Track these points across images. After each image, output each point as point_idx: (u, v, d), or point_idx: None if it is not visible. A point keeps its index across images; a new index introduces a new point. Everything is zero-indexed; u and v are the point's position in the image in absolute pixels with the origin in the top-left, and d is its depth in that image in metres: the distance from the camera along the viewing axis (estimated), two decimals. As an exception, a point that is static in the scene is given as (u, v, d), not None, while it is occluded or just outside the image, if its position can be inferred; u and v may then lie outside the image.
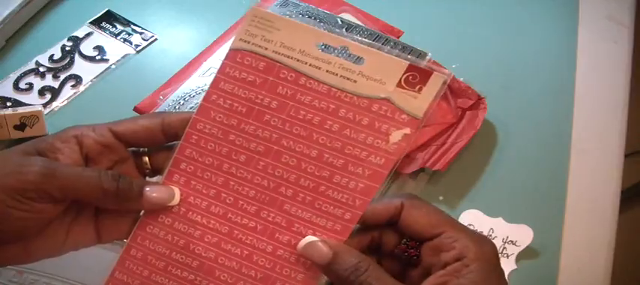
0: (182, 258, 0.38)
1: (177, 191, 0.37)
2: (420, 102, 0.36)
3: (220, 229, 0.37)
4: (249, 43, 0.37)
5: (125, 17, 0.73)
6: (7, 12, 0.69)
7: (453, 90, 0.63)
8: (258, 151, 0.37)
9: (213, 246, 0.37)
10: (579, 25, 0.74)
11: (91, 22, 0.72)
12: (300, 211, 0.37)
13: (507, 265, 0.53)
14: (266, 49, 0.37)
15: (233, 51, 0.37)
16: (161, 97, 0.61)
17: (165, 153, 0.39)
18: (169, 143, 0.39)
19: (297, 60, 0.36)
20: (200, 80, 0.62)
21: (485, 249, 0.35)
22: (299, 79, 0.36)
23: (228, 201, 0.37)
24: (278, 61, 0.36)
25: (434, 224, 0.36)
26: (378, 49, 0.36)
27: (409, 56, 0.36)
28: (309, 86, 0.36)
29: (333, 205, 0.36)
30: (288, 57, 0.36)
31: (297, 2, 0.68)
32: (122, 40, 0.71)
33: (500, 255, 0.54)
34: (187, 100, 0.60)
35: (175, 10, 0.76)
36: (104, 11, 0.73)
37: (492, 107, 0.62)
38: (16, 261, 0.37)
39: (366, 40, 0.37)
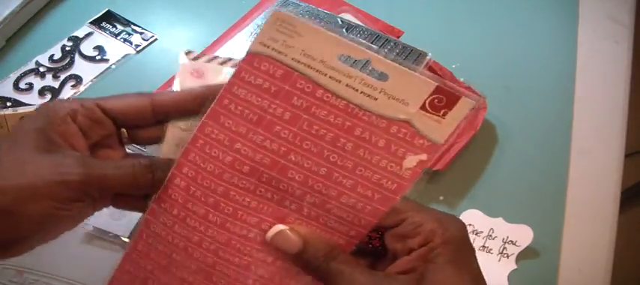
0: (182, 259, 0.37)
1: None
2: (443, 128, 0.33)
3: (218, 238, 0.37)
4: (268, 47, 0.34)
5: (125, 17, 0.73)
6: (7, 12, 0.69)
7: (453, 90, 0.63)
8: (264, 164, 0.35)
9: (211, 253, 0.37)
10: (579, 25, 0.74)
11: (91, 22, 0.72)
12: (304, 224, 0.36)
13: (507, 265, 0.53)
14: (286, 55, 0.34)
15: (251, 55, 0.34)
16: (161, 97, 0.61)
17: (152, 128, 0.39)
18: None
19: (317, 71, 0.34)
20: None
21: (452, 229, 0.34)
22: (316, 91, 0.34)
23: (227, 211, 0.36)
24: (296, 70, 0.34)
25: (394, 210, 0.35)
26: (404, 65, 0.33)
27: (438, 76, 0.33)
28: (325, 100, 0.34)
29: (338, 221, 0.35)
30: (308, 66, 0.34)
31: (297, 2, 0.68)
32: (122, 40, 0.71)
33: (500, 255, 0.54)
34: (187, 100, 0.60)
35: (175, 10, 0.76)
36: (104, 11, 0.73)
37: (492, 107, 0.62)
38: (40, 243, 0.36)
39: (393, 55, 0.34)
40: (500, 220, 0.56)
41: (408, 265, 0.34)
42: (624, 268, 0.68)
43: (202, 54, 0.41)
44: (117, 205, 0.39)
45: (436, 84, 0.33)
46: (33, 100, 0.65)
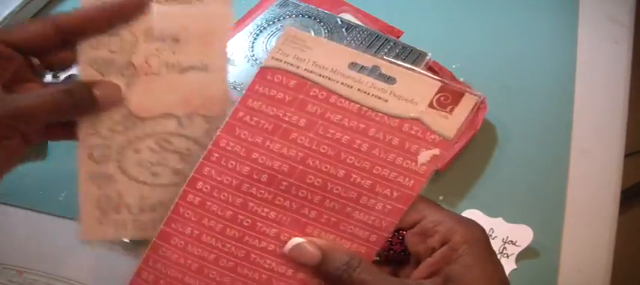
0: (196, 283, 0.36)
1: (116, 81, 0.38)
2: (451, 123, 0.35)
3: (236, 253, 0.36)
4: (281, 61, 0.36)
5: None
6: (7, 12, 0.69)
7: (453, 90, 0.63)
8: (283, 171, 0.35)
9: (229, 270, 0.36)
10: (579, 25, 0.74)
11: (91, 22, 0.72)
12: (323, 233, 0.35)
13: (507, 265, 0.53)
14: (298, 67, 0.36)
15: (264, 69, 0.36)
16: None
17: (64, 52, 0.39)
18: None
19: (329, 79, 0.36)
20: None
21: (472, 229, 0.34)
22: (330, 97, 0.36)
23: (245, 223, 0.36)
24: (309, 79, 0.36)
25: (412, 208, 0.35)
26: (409, 69, 0.36)
27: (441, 78, 0.36)
28: (339, 105, 0.36)
29: (358, 226, 0.35)
30: (320, 75, 0.36)
31: (297, 2, 0.68)
32: (122, 40, 0.71)
33: (499, 255, 0.54)
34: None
35: (175, 10, 0.76)
36: (104, 11, 0.73)
37: (492, 107, 0.62)
38: None
39: (392, 55, 0.37)
40: (500, 220, 0.56)
41: (431, 268, 0.33)
42: (624, 268, 0.68)
43: None
44: (51, 138, 0.39)
45: (440, 83, 0.35)
46: (33, 100, 0.65)
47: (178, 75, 0.39)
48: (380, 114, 0.35)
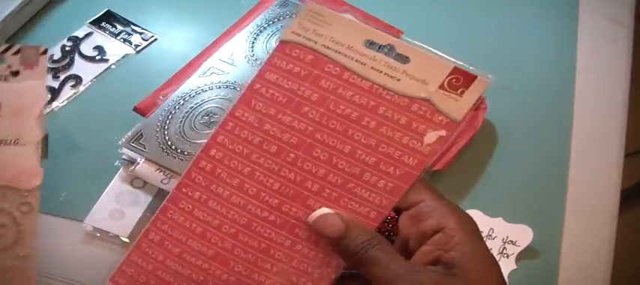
0: (198, 246, 0.37)
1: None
2: (460, 105, 0.36)
3: (239, 220, 0.37)
4: (300, 35, 0.37)
5: (125, 17, 0.73)
6: (7, 12, 0.69)
7: (453, 90, 0.63)
8: (291, 143, 0.37)
9: (231, 237, 0.37)
10: (579, 25, 0.74)
11: (91, 22, 0.72)
12: (323, 207, 0.36)
13: (507, 265, 0.53)
14: (316, 42, 0.37)
15: (283, 43, 0.38)
16: (161, 98, 0.61)
17: None
18: None
19: (345, 55, 0.37)
20: (200, 80, 0.62)
21: (465, 217, 0.35)
22: (343, 73, 0.37)
23: (250, 192, 0.37)
24: (326, 55, 0.37)
25: (413, 190, 0.35)
26: (425, 49, 0.37)
27: (453, 59, 0.36)
28: (352, 81, 0.37)
29: (359, 202, 0.36)
30: (336, 51, 0.37)
31: (297, 2, 0.68)
32: (122, 40, 0.71)
33: (499, 255, 0.54)
34: (187, 100, 0.60)
35: (175, 10, 0.76)
36: (104, 11, 0.73)
37: (492, 107, 0.62)
38: None
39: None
40: (499, 220, 0.56)
41: (430, 256, 0.34)
42: (624, 268, 0.68)
43: None
44: None
45: (453, 65, 0.36)
46: (33, 100, 0.65)
47: None
48: (391, 92, 0.36)
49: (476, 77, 0.36)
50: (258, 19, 0.67)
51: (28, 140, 0.42)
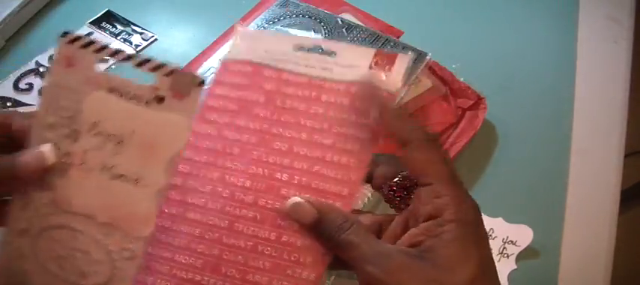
0: (185, 259, 0.38)
1: (46, 147, 0.37)
2: (391, 79, 0.38)
3: (220, 224, 0.38)
4: (237, 53, 0.41)
5: (125, 17, 0.73)
6: (7, 12, 0.69)
7: (453, 90, 0.63)
8: (251, 142, 0.38)
9: (216, 242, 0.37)
10: (579, 25, 0.74)
11: (91, 22, 0.72)
12: (297, 193, 0.37)
13: (507, 265, 0.53)
14: (252, 56, 0.40)
15: (224, 62, 0.41)
16: (161, 97, 0.61)
17: None
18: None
19: (279, 60, 0.40)
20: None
21: (464, 209, 0.35)
22: (281, 74, 0.40)
23: (224, 194, 0.38)
24: (262, 63, 0.40)
25: (425, 173, 0.35)
26: (346, 42, 0.40)
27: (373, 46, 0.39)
28: (291, 80, 0.39)
29: (329, 183, 0.37)
30: (271, 59, 0.40)
31: (297, 2, 0.68)
32: (122, 40, 0.71)
33: (499, 255, 0.54)
34: (187, 100, 0.60)
35: (175, 11, 0.76)
36: (104, 11, 0.73)
37: (492, 107, 0.62)
38: None
39: (335, 39, 0.38)
40: (500, 220, 0.56)
41: (414, 239, 0.34)
42: (624, 268, 0.68)
43: (81, 36, 0.38)
44: None
45: (374, 50, 0.39)
46: (33, 100, 0.65)
47: (108, 180, 0.36)
48: (328, 81, 0.39)
49: (397, 55, 0.39)
50: (259, 19, 0.67)
51: (151, 184, 0.36)
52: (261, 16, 0.67)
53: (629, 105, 0.67)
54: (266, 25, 0.66)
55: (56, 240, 0.37)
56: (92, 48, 0.38)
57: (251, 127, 0.39)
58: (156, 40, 0.71)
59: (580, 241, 0.56)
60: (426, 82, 0.63)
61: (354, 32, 0.64)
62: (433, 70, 0.64)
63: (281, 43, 0.41)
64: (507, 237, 0.55)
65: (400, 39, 0.66)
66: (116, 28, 0.72)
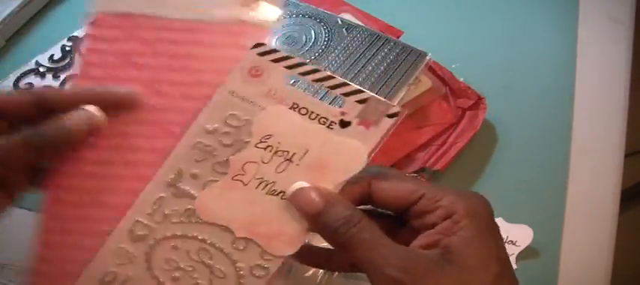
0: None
1: (92, 107, 0.36)
2: (261, 13, 0.39)
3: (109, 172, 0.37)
4: (108, 5, 0.40)
5: (125, 17, 0.73)
6: (7, 12, 0.69)
7: (453, 90, 0.63)
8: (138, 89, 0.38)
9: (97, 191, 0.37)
10: (579, 25, 0.74)
11: (91, 22, 0.72)
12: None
13: (507, 265, 0.53)
14: (124, 7, 0.40)
15: (95, 16, 0.40)
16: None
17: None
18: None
19: (153, 7, 0.40)
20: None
21: (474, 202, 0.33)
22: (156, 21, 0.39)
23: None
24: (135, 13, 0.40)
25: (409, 192, 0.34)
26: None
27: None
28: (168, 26, 0.39)
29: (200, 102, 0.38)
30: (145, 7, 0.40)
31: (297, 2, 0.68)
32: (122, 40, 0.71)
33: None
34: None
35: (175, 10, 0.76)
36: (104, 11, 0.73)
37: (492, 107, 0.62)
38: None
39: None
40: (500, 220, 0.56)
41: (430, 239, 0.32)
42: (624, 268, 0.68)
43: (276, 50, 0.38)
44: (38, 186, 0.37)
45: None
46: (33, 100, 0.65)
47: (264, 194, 0.35)
48: (204, 23, 0.39)
49: None
50: (258, 19, 0.67)
51: None
52: (261, 16, 0.67)
53: (629, 105, 0.67)
54: (266, 25, 0.66)
55: (178, 250, 0.36)
56: (284, 63, 0.37)
57: (135, 76, 0.38)
58: (156, 40, 0.71)
59: (580, 241, 0.56)
60: (426, 82, 0.63)
61: (354, 32, 0.64)
62: (433, 70, 0.64)
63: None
64: (507, 237, 0.55)
65: (400, 39, 0.66)
66: None
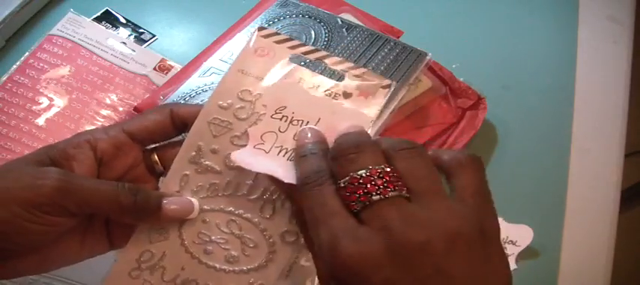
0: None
1: (195, 202, 0.37)
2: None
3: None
4: (63, 32, 0.62)
5: (125, 17, 0.73)
6: (7, 12, 0.69)
7: (453, 90, 0.63)
8: (57, 96, 0.52)
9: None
10: (579, 25, 0.74)
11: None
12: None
13: (507, 265, 0.53)
14: (74, 37, 0.62)
15: (50, 35, 0.59)
16: (161, 97, 0.61)
17: (172, 149, 0.39)
18: (176, 139, 0.39)
19: (94, 46, 0.60)
20: (200, 80, 0.62)
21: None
22: (92, 56, 0.62)
23: (25, 129, 0.53)
24: (81, 45, 0.60)
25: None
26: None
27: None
28: (98, 62, 0.62)
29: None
30: (88, 43, 0.60)
31: (297, 2, 0.68)
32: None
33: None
34: (187, 100, 0.60)
35: (175, 10, 0.75)
36: (103, 11, 0.73)
37: (492, 107, 0.62)
38: (31, 271, 0.36)
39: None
40: (500, 220, 0.56)
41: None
42: (624, 268, 0.68)
43: (278, 33, 0.39)
44: (113, 240, 0.38)
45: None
46: (33, 100, 0.65)
47: (286, 161, 0.36)
48: (123, 70, 0.57)
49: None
50: (259, 19, 0.67)
51: None
52: (262, 16, 0.67)
53: (629, 105, 0.67)
54: (266, 25, 0.66)
55: (208, 223, 0.38)
56: (287, 44, 0.40)
57: (56, 86, 0.57)
58: (156, 40, 0.71)
59: (580, 241, 0.56)
60: (426, 82, 0.63)
61: (354, 32, 0.63)
62: (433, 70, 0.64)
63: (98, 32, 0.60)
64: (507, 237, 0.55)
65: (400, 39, 0.66)
66: (116, 28, 0.72)
